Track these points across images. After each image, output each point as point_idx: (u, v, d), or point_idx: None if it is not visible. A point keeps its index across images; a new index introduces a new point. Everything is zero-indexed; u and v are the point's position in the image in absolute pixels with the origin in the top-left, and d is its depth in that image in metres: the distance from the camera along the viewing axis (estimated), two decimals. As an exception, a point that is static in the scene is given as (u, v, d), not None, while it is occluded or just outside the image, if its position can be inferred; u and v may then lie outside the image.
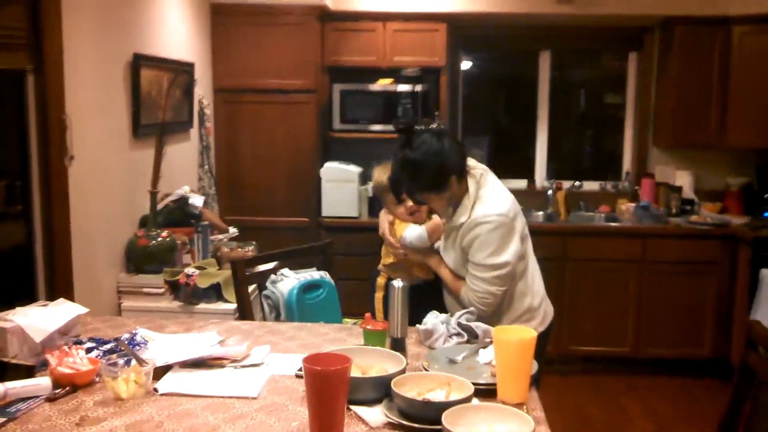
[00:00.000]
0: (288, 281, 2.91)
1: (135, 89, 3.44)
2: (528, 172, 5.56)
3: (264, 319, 2.90)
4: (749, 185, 5.24)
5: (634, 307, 4.80)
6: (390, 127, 4.88)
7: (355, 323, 2.94)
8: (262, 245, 4.29)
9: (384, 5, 4.87)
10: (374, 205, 4.88)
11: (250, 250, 3.74)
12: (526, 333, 1.81)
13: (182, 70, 4.03)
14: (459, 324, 2.30)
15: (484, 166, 2.50)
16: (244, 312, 2.81)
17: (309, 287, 2.92)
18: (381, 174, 2.93)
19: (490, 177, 2.46)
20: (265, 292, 2.91)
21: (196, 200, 3.68)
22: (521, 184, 5.45)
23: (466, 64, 5.51)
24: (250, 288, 2.99)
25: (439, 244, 2.66)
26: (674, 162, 5.32)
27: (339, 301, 3.08)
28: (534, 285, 2.52)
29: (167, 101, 3.73)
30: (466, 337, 2.27)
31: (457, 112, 5.41)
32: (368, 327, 2.19)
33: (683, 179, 5.22)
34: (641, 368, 4.86)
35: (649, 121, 5.29)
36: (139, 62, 3.45)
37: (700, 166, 5.29)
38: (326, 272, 3.09)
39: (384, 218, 2.96)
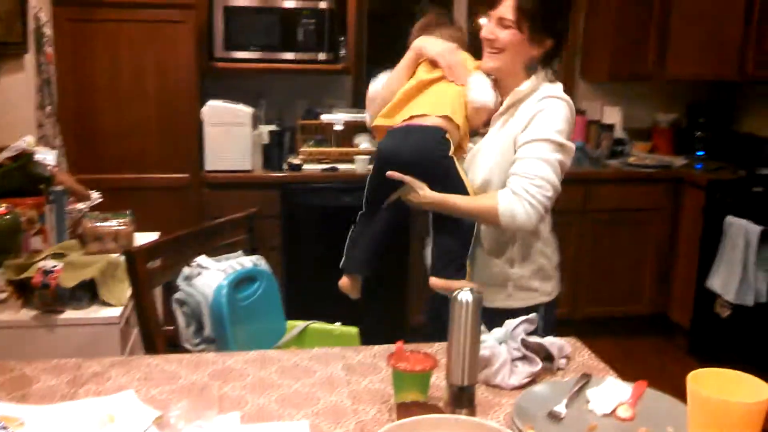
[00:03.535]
0: (210, 275, 1.97)
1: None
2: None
3: (178, 335, 1.94)
4: (677, 121, 4.81)
5: (570, 264, 4.22)
6: (290, 56, 3.90)
7: (311, 324, 2.11)
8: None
9: None
10: (271, 154, 3.91)
11: (124, 223, 2.69)
12: (752, 387, 1.04)
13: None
14: (524, 342, 1.49)
15: None
16: (151, 333, 1.83)
17: (241, 282, 2.00)
18: None
19: None
20: (177, 295, 1.94)
21: (47, 156, 2.56)
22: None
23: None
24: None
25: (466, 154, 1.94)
26: (601, 97, 4.76)
27: (279, 293, 2.20)
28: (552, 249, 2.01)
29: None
30: (539, 365, 1.47)
31: (362, 40, 4.48)
32: (402, 366, 1.33)
33: (613, 116, 4.69)
34: (578, 330, 4.31)
35: (576, 50, 4.66)
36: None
37: (629, 102, 4.77)
38: (258, 256, 2.17)
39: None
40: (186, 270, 1.98)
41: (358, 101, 4.46)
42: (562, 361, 1.53)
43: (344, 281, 2.05)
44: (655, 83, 4.61)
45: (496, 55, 1.87)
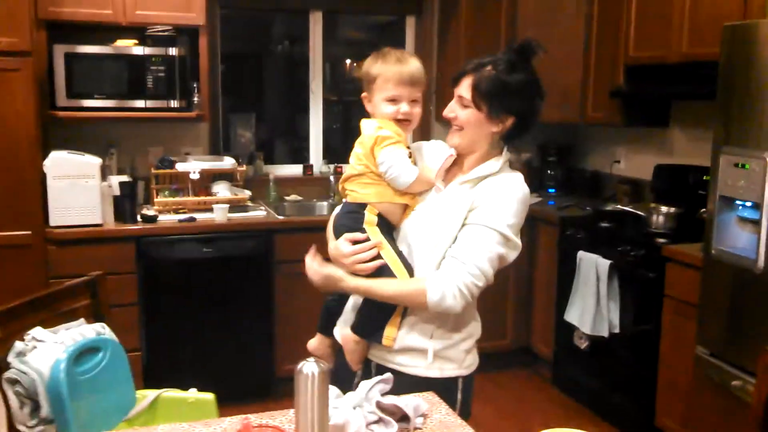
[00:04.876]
0: (45, 349, 1.81)
1: None
2: (302, 156, 4.76)
3: (10, 419, 1.75)
4: (529, 161, 5.02)
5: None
6: (140, 103, 3.74)
7: (163, 393, 1.99)
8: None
9: (121, -60, 3.67)
10: (122, 206, 3.71)
11: (-46, 290, 2.45)
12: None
13: None
14: (379, 404, 1.46)
15: None
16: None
17: (82, 354, 1.85)
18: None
19: None
20: (7, 374, 1.77)
21: None
22: (296, 170, 4.63)
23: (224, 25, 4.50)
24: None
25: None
26: (457, 139, 4.90)
27: (127, 362, 2.05)
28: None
29: None
30: (395, 427, 1.44)
31: (217, 86, 4.38)
32: (252, 444, 1.26)
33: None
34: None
35: (431, 93, 4.79)
36: None
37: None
38: (102, 324, 2.02)
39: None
40: (18, 345, 1.80)
41: (215, 148, 4.36)
42: (419, 420, 1.50)
43: (318, 342, 2.05)
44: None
45: (458, 132, 1.87)
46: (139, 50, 3.75)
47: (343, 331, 1.93)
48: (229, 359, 3.86)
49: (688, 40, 3.52)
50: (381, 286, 1.81)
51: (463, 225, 1.81)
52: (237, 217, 3.87)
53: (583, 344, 3.82)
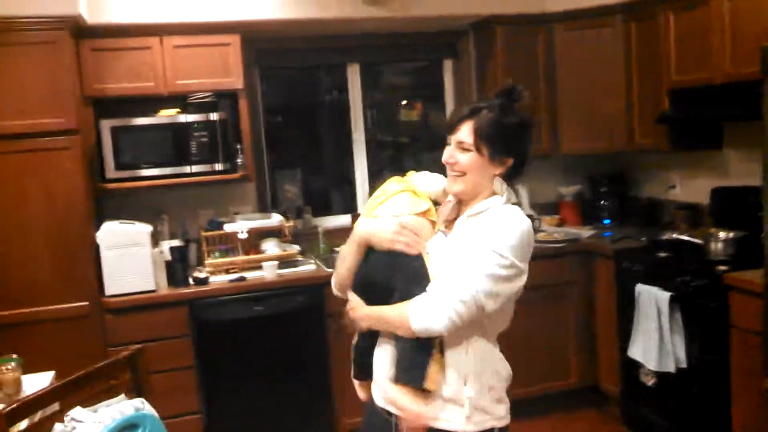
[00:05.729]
0: (85, 430, 1.82)
1: None
2: (350, 206, 4.77)
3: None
4: (580, 193, 4.92)
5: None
6: (186, 169, 3.83)
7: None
8: (25, 350, 3.06)
9: (158, 15, 3.79)
10: (174, 270, 3.78)
11: (9, 370, 2.51)
12: None
13: None
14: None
15: None
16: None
17: (123, 431, 1.86)
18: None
19: None
20: (49, 457, 1.79)
21: None
22: (345, 220, 4.64)
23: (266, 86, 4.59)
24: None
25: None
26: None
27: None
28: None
29: None
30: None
31: (261, 144, 4.46)
32: None
33: (519, 195, 4.76)
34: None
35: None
36: None
37: (532, 179, 4.86)
38: (142, 399, 2.03)
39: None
40: (58, 427, 1.83)
41: (262, 205, 4.42)
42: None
43: (364, 390, 2.08)
44: (556, 158, 4.73)
45: (460, 178, 1.90)
46: (181, 118, 3.85)
47: (389, 393, 1.85)
48: (289, 416, 3.85)
49: (731, 60, 3.41)
50: (387, 312, 1.84)
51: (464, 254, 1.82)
52: (287, 273, 3.89)
53: (650, 381, 3.65)
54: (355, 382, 2.10)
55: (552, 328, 4.26)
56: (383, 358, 1.93)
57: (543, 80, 4.46)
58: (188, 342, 3.70)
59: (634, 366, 3.75)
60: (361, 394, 2.09)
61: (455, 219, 1.96)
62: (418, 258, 1.85)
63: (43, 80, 3.46)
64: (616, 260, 4.00)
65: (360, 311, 1.93)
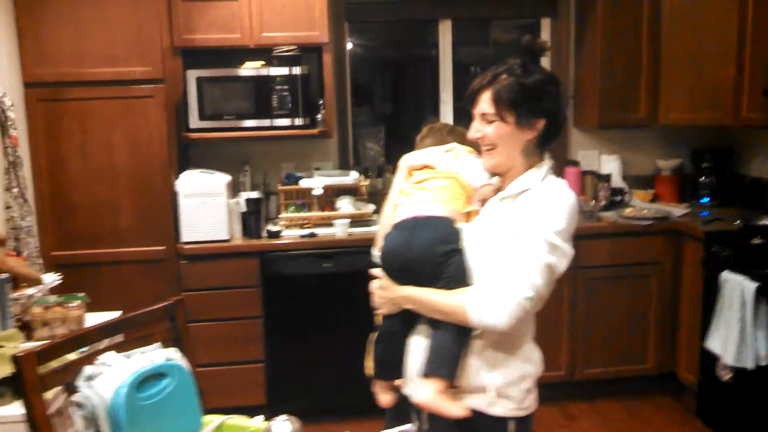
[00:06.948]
0: (111, 375, 1.89)
1: None
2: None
3: (76, 440, 1.87)
4: (680, 167, 4.61)
5: (566, 323, 4.03)
6: (266, 122, 3.87)
7: (227, 419, 2.01)
8: (103, 288, 3.25)
9: (247, -32, 3.83)
10: (249, 222, 3.87)
11: (74, 307, 2.67)
12: None
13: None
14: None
15: None
16: (38, 440, 1.77)
17: (146, 380, 1.93)
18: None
19: None
20: (74, 397, 1.88)
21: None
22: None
23: (351, 41, 4.55)
24: (53, 392, 1.95)
25: None
26: (597, 145, 4.61)
27: (195, 387, 2.10)
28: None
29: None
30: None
31: (346, 100, 4.45)
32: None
33: (610, 165, 4.52)
34: (578, 392, 4.12)
35: (567, 98, 4.53)
36: None
37: (627, 149, 4.61)
38: (175, 349, 2.09)
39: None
40: (88, 369, 1.91)
41: (344, 162, 4.42)
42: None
43: (388, 394, 1.96)
44: (655, 129, 4.44)
45: (491, 152, 1.81)
46: (264, 71, 3.88)
47: (422, 390, 1.76)
48: (350, 374, 3.89)
49: None
50: (429, 295, 1.76)
51: (508, 240, 1.72)
52: (358, 232, 3.89)
53: (726, 375, 3.43)
54: (377, 384, 1.96)
55: (633, 309, 4.07)
56: (419, 349, 1.84)
57: (646, 43, 4.17)
58: (257, 293, 3.79)
59: (713, 357, 3.53)
60: (386, 398, 1.95)
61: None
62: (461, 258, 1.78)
63: (132, 29, 3.58)
64: (705, 243, 3.74)
65: (398, 291, 1.84)
